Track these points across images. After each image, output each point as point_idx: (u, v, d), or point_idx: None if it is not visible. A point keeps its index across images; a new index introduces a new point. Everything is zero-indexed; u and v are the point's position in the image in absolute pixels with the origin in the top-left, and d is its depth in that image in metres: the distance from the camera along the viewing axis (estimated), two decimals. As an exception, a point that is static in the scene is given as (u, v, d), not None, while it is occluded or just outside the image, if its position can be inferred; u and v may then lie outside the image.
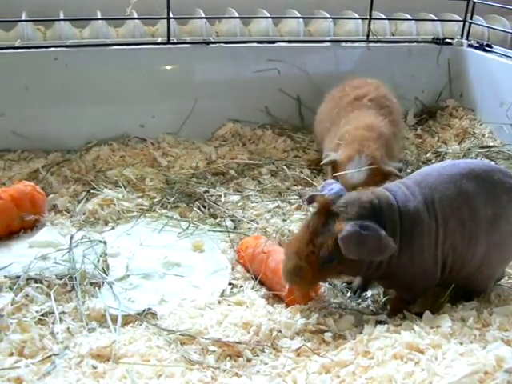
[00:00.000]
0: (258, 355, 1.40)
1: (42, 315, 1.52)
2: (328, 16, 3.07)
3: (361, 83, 2.41)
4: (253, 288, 1.73)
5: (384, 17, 3.13)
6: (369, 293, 1.74)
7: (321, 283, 1.65)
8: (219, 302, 1.63)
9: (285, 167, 2.45)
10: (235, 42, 2.75)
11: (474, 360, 1.26)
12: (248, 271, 1.80)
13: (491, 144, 2.66)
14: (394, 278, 1.54)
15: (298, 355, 1.41)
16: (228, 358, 1.40)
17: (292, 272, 1.48)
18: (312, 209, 2.11)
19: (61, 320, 1.51)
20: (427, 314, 1.51)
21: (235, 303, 1.62)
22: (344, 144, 2.12)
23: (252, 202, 2.21)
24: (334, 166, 2.11)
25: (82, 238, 1.89)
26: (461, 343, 1.36)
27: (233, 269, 1.83)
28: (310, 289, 1.61)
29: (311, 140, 2.69)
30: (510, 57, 2.81)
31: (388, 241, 1.40)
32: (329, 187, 1.52)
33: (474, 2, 2.98)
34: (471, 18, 3.05)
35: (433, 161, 2.57)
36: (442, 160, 2.56)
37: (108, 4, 2.60)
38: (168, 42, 2.60)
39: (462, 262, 1.55)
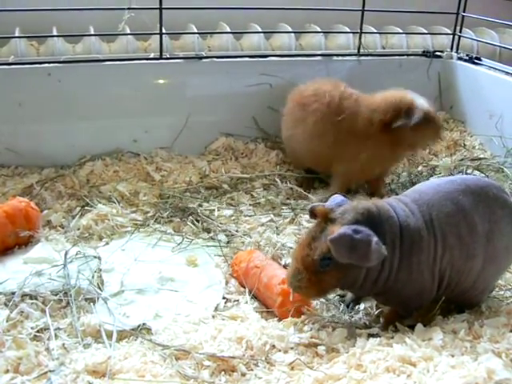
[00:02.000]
0: (252, 369, 1.41)
1: (38, 331, 1.53)
2: (319, 30, 3.11)
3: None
4: (247, 302, 1.74)
5: (374, 30, 3.17)
6: (361, 306, 1.76)
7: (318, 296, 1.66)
8: (213, 317, 1.64)
9: (278, 180, 2.47)
10: (227, 56, 2.78)
11: (465, 372, 1.27)
12: (242, 285, 1.82)
13: (481, 156, 2.69)
14: (391, 293, 1.55)
15: (292, 369, 1.41)
16: (222, 372, 1.40)
17: (292, 276, 1.51)
18: (307, 223, 2.15)
19: (56, 336, 1.51)
20: (419, 326, 1.52)
21: (229, 318, 1.63)
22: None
23: (245, 216, 2.22)
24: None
25: (77, 253, 1.89)
26: (452, 355, 1.37)
27: (226, 283, 1.84)
28: (311, 295, 1.60)
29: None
30: (498, 69, 2.84)
31: (379, 247, 1.41)
32: (332, 199, 1.56)
33: (463, 16, 3.03)
34: (460, 31, 3.09)
35: (424, 173, 2.60)
36: (434, 172, 2.59)
37: (101, 20, 2.62)
38: (160, 57, 2.62)
39: (459, 277, 1.56)
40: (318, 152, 2.36)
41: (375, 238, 1.41)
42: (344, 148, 2.31)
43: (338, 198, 1.56)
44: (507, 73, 2.79)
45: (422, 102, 2.23)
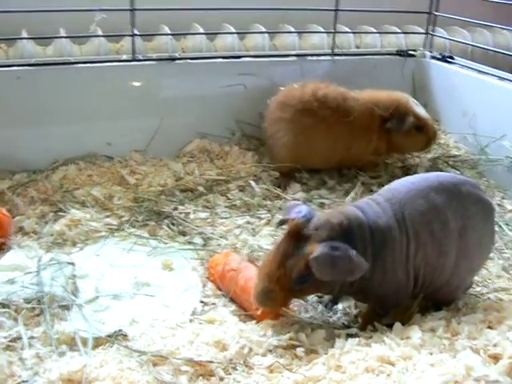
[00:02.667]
0: (230, 373, 1.39)
1: (10, 341, 1.49)
2: (293, 30, 3.10)
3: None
4: (224, 306, 1.73)
5: (348, 30, 3.17)
6: (340, 306, 1.75)
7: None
8: (190, 321, 1.62)
9: (253, 182, 2.45)
10: (201, 57, 2.76)
11: (444, 370, 1.27)
12: (219, 289, 1.80)
13: (456, 153, 2.71)
14: (368, 291, 1.55)
15: (271, 372, 1.40)
16: (201, 377, 1.38)
17: (263, 295, 1.49)
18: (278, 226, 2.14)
19: (30, 345, 1.48)
20: (397, 325, 1.52)
21: (206, 321, 1.61)
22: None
23: (221, 218, 2.20)
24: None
25: (50, 260, 1.85)
26: (431, 353, 1.37)
27: (203, 286, 1.82)
28: (282, 309, 1.60)
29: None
30: (471, 68, 2.87)
31: (359, 260, 1.42)
32: (296, 210, 1.53)
33: (436, 15, 3.05)
34: (433, 31, 3.12)
35: (399, 171, 2.61)
36: (409, 170, 2.60)
37: (72, 21, 2.57)
38: (133, 59, 2.59)
39: (433, 274, 1.57)
40: (333, 152, 2.45)
41: (353, 252, 1.41)
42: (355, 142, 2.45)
43: (302, 208, 1.54)
44: (479, 71, 2.81)
45: (419, 110, 2.41)
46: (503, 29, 3.47)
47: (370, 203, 1.56)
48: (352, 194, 2.38)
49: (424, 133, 2.46)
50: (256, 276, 1.55)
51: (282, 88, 2.53)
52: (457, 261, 1.57)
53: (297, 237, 1.47)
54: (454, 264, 1.57)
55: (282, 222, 1.56)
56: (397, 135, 2.43)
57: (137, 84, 2.60)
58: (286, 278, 1.46)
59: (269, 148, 2.57)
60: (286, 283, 1.47)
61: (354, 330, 1.56)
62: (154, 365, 1.40)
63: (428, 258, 1.54)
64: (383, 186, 2.42)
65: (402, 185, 1.62)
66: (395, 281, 1.53)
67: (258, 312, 1.62)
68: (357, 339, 1.45)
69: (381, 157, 2.57)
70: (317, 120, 2.38)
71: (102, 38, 2.74)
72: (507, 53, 3.21)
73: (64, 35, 2.68)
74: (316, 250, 1.41)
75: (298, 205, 1.57)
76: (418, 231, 1.52)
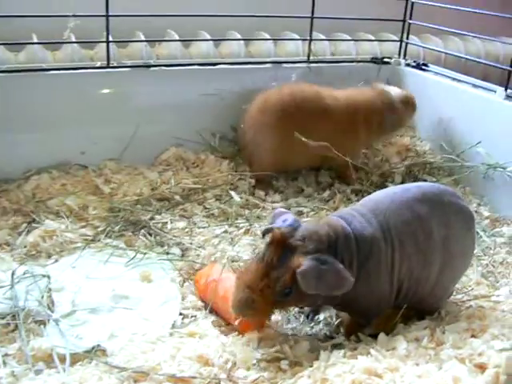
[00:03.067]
0: (214, 389, 1.37)
1: (-16, 359, 1.44)
2: (268, 37, 3.09)
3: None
4: (205, 318, 1.69)
5: (324, 37, 3.18)
6: (321, 316, 1.74)
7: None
8: (171, 335, 1.59)
9: (233, 192, 2.42)
10: (176, 64, 2.72)
11: (432, 381, 1.27)
12: (203, 301, 1.76)
13: (432, 160, 2.72)
14: (350, 304, 1.53)
15: (256, 386, 1.38)
16: (183, 393, 1.35)
17: (244, 304, 1.44)
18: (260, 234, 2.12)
19: (4, 363, 1.42)
20: (382, 335, 1.51)
21: (187, 335, 1.58)
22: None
23: (199, 228, 2.17)
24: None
25: (24, 273, 1.79)
26: (417, 364, 1.36)
27: (183, 298, 1.79)
28: (263, 319, 1.57)
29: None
30: (445, 75, 2.89)
31: (346, 275, 1.39)
32: (281, 218, 1.51)
33: (410, 23, 3.07)
34: (407, 38, 3.14)
35: (376, 178, 2.62)
36: (387, 179, 2.61)
37: (45, 27, 2.51)
38: (108, 66, 2.54)
39: (417, 285, 1.56)
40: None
41: (341, 266, 1.40)
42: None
43: (288, 217, 1.51)
44: (453, 79, 2.84)
45: (396, 90, 2.64)
46: (474, 37, 3.51)
47: (354, 214, 1.54)
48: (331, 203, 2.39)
49: (410, 105, 2.65)
50: (235, 285, 1.50)
51: (259, 94, 2.51)
52: (441, 271, 1.57)
53: (282, 247, 1.43)
54: (438, 274, 1.57)
55: (267, 231, 1.51)
56: (390, 120, 2.59)
57: (111, 91, 2.55)
58: (270, 289, 1.42)
59: (247, 154, 2.54)
60: (269, 294, 1.43)
61: (338, 340, 1.55)
62: (135, 381, 1.37)
63: (413, 268, 1.53)
64: (361, 192, 2.48)
65: (384, 195, 1.61)
66: (379, 292, 1.52)
67: (236, 322, 1.58)
68: (342, 351, 1.43)
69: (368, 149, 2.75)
70: (298, 122, 2.38)
71: (75, 45, 2.69)
72: (480, 60, 3.26)
73: (37, 41, 2.62)
74: (303, 263, 1.39)
75: (283, 213, 1.53)
76: (403, 242, 1.51)
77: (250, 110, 2.50)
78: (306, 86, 2.51)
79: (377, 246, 1.49)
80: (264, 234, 1.52)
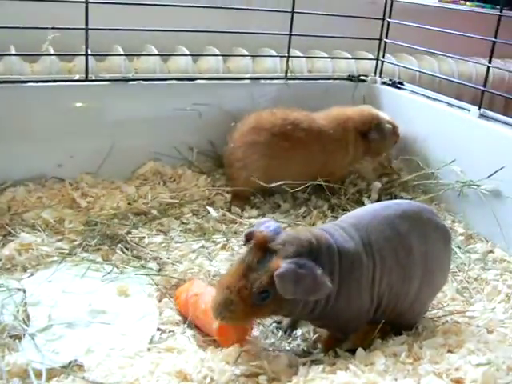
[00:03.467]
0: (193, 404, 1.36)
1: (-43, 374, 1.41)
2: (247, 54, 3.11)
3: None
4: (183, 333, 1.68)
5: (301, 54, 3.21)
6: (299, 331, 1.74)
7: (251, 325, 1.62)
8: (149, 350, 1.57)
9: (210, 208, 2.42)
10: (155, 79, 2.72)
11: (410, 397, 1.28)
12: (183, 316, 1.75)
13: (408, 178, 2.75)
14: (329, 319, 1.54)
15: (234, 401, 1.37)
16: (162, 409, 1.34)
17: (222, 305, 1.44)
18: (239, 248, 2.13)
19: (-22, 379, 1.40)
20: (360, 351, 1.52)
21: (165, 350, 1.56)
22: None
23: (176, 243, 2.16)
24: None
25: (-1, 286, 1.77)
26: (395, 379, 1.38)
27: (160, 313, 1.77)
28: (240, 325, 1.55)
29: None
30: (420, 94, 2.94)
31: (324, 280, 1.40)
32: (265, 224, 1.51)
33: (386, 42, 3.12)
34: (383, 57, 3.19)
35: (352, 196, 2.64)
36: (363, 193, 2.64)
37: (23, 39, 2.49)
38: (86, 79, 2.53)
39: (396, 300, 1.58)
40: (309, 170, 2.54)
41: (319, 271, 1.40)
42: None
43: (271, 223, 1.52)
44: (428, 97, 2.88)
45: (385, 115, 2.70)
46: (448, 57, 3.58)
47: (336, 228, 1.56)
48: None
49: (394, 132, 2.72)
50: (216, 287, 1.50)
51: (248, 114, 2.57)
52: (420, 287, 1.59)
53: (263, 250, 1.44)
54: (418, 290, 1.59)
55: (249, 234, 1.50)
56: (376, 142, 2.64)
57: (89, 104, 2.53)
58: (247, 290, 1.42)
59: (232, 171, 2.55)
60: (246, 296, 1.42)
61: (317, 356, 1.55)
62: (113, 396, 1.35)
63: (393, 283, 1.55)
64: (338, 207, 2.49)
65: (365, 212, 1.64)
66: (359, 306, 1.53)
67: (214, 326, 1.56)
68: (321, 366, 1.44)
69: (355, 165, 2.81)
70: (292, 142, 2.47)
71: (53, 57, 2.67)
72: (454, 80, 3.32)
73: (14, 53, 2.60)
74: (281, 265, 1.39)
75: (267, 221, 1.54)
76: (384, 257, 1.53)
77: (240, 128, 2.53)
78: (295, 109, 2.58)
79: (359, 260, 1.50)
80: (247, 238, 1.51)
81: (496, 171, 2.35)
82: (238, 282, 1.43)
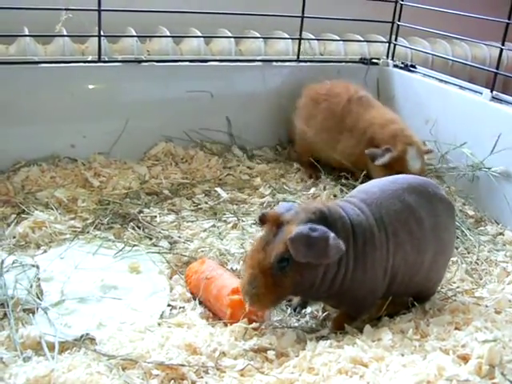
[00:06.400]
0: (202, 377, 1.38)
1: (-27, 346, 1.44)
2: (259, 36, 3.11)
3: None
4: (193, 309, 1.71)
5: (313, 37, 3.20)
6: (308, 309, 1.76)
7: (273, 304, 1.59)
8: (159, 324, 1.60)
9: (219, 189, 2.44)
10: (167, 60, 2.74)
11: (417, 370, 1.29)
12: (192, 293, 1.77)
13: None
14: (347, 294, 1.54)
15: (243, 375, 1.39)
16: (172, 381, 1.36)
17: (247, 282, 1.47)
18: (250, 227, 2.15)
19: (-7, 349, 1.43)
20: (368, 327, 1.53)
21: (176, 325, 1.59)
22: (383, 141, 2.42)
23: (187, 222, 2.18)
24: (391, 162, 2.36)
25: (13, 262, 1.80)
26: (402, 354, 1.39)
27: (171, 290, 1.80)
28: (267, 303, 1.52)
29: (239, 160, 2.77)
30: (432, 77, 2.93)
31: (337, 242, 1.41)
32: (280, 206, 1.57)
33: (398, 25, 3.10)
34: (396, 40, 3.17)
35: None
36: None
37: (36, 20, 2.51)
38: (99, 60, 2.55)
39: (412, 271, 1.60)
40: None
41: (332, 234, 1.41)
42: None
43: (285, 204, 1.56)
44: (440, 80, 2.87)
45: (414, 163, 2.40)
46: (461, 40, 3.55)
47: (347, 203, 1.57)
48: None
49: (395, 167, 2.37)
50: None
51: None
52: (434, 257, 1.62)
53: (277, 225, 1.47)
54: (432, 259, 1.62)
55: (263, 216, 1.52)
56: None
57: (102, 86, 2.56)
58: (266, 262, 1.45)
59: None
60: (267, 268, 1.45)
61: (324, 332, 1.57)
62: (124, 369, 1.38)
63: (407, 256, 1.57)
64: (347, 187, 2.50)
65: (373, 186, 1.65)
66: (374, 280, 1.55)
67: (227, 312, 1.60)
68: (328, 341, 1.45)
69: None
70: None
71: (67, 39, 2.69)
72: (466, 63, 3.30)
73: (28, 34, 2.62)
74: (294, 230, 1.41)
75: (284, 203, 1.59)
76: (397, 230, 1.55)
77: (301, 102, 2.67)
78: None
79: (371, 233, 1.52)
80: (261, 220, 1.53)
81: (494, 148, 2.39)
82: (258, 256, 1.47)
